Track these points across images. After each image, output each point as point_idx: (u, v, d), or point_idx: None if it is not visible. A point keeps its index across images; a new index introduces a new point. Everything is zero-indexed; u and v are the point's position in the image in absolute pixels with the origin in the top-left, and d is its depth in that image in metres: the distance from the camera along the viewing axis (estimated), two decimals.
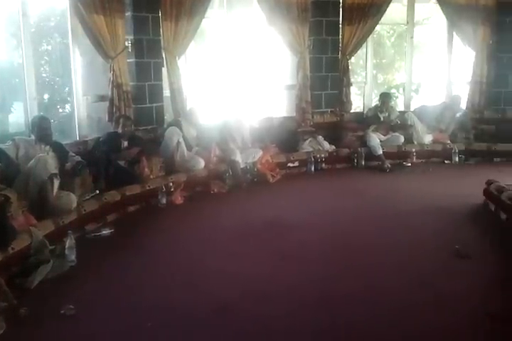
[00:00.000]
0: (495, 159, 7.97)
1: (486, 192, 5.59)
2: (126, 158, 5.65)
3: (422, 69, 9.50)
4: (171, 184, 5.68)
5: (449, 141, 8.03)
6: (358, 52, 8.65)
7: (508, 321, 3.02)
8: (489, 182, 5.61)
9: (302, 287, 3.55)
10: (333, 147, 7.60)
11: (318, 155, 7.33)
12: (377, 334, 2.94)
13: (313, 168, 7.22)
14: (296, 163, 7.23)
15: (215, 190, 6.13)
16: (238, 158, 6.48)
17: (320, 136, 7.62)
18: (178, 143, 6.08)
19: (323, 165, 7.36)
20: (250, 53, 8.50)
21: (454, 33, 8.78)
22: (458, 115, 8.19)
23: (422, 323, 3.06)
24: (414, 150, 7.73)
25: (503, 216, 5.04)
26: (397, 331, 2.97)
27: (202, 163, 6.19)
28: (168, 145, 6.08)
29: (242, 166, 6.52)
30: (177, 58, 6.83)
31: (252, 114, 7.54)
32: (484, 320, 3.05)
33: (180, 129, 6.24)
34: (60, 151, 4.84)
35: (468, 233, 4.77)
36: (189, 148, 6.29)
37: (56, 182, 4.46)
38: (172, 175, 5.89)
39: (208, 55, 9.31)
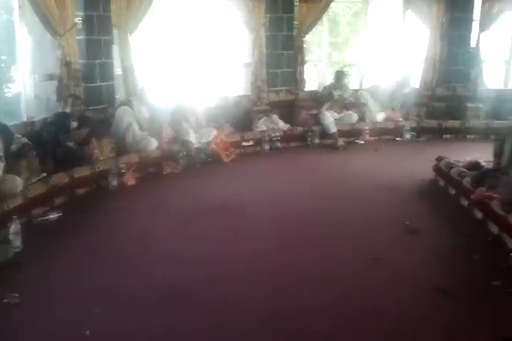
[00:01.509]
0: (445, 136, 8.16)
1: (436, 169, 5.72)
2: (76, 139, 5.48)
3: (376, 48, 9.53)
4: (123, 165, 5.57)
5: (400, 119, 8.14)
6: (314, 30, 8.62)
7: (454, 294, 3.11)
8: (439, 159, 5.73)
9: (256, 266, 3.57)
10: (288, 126, 7.59)
11: (272, 134, 7.32)
12: (331, 308, 2.98)
13: (268, 147, 7.21)
14: (251, 142, 7.20)
15: (168, 171, 6.04)
16: (192, 137, 6.40)
17: (275, 115, 7.59)
18: (130, 123, 5.95)
19: (278, 143, 7.36)
20: (205, 30, 8.34)
21: (409, 11, 8.82)
22: (408, 93, 8.29)
23: (373, 297, 3.12)
24: (367, 128, 7.83)
25: (452, 191, 5.17)
26: (349, 305, 3.02)
27: (154, 144, 6.08)
28: (119, 126, 5.94)
29: (195, 146, 6.44)
30: (129, 35, 6.63)
31: (207, 92, 7.43)
32: (432, 294, 3.13)
33: (132, 109, 6.11)
34: (4, 133, 4.64)
35: (418, 208, 4.88)
36: (141, 128, 6.16)
37: (0, 165, 4.30)
38: (123, 156, 5.76)
39: (161, 32, 9.08)
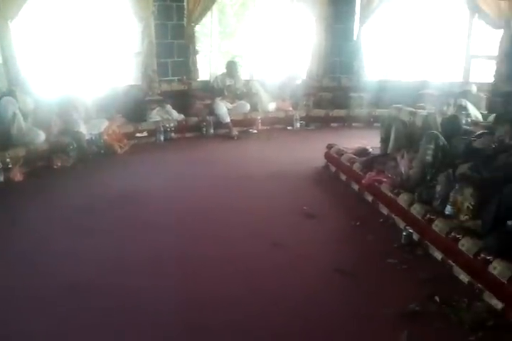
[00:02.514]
0: (332, 124, 8.54)
1: (327, 156, 5.98)
2: None
3: (264, 39, 9.67)
4: (8, 160, 5.22)
5: (290, 109, 8.41)
6: (203, 20, 8.57)
7: (349, 274, 3.29)
8: (329, 146, 6.00)
9: (158, 257, 3.53)
10: (182, 116, 7.54)
11: (167, 125, 7.23)
12: (236, 294, 3.03)
13: (162, 138, 7.13)
14: (145, 133, 7.07)
15: (59, 165, 5.75)
16: (82, 129, 6.14)
17: (168, 105, 7.49)
18: (14, 114, 5.57)
19: (173, 134, 7.30)
20: (94, 18, 7.96)
21: (297, 2, 9.05)
22: (298, 84, 8.57)
23: (277, 281, 3.22)
24: (259, 117, 7.99)
25: (343, 177, 5.44)
26: (254, 292, 3.08)
27: (42, 136, 5.75)
28: (3, 117, 5.54)
29: (87, 138, 6.19)
30: (9, 22, 6.19)
31: (95, 82, 7.15)
32: (334, 275, 3.29)
33: (16, 99, 5.72)
34: None
35: (313, 194, 5.09)
36: (25, 119, 5.79)
37: None
38: (9, 150, 5.39)
39: (46, 20, 8.54)
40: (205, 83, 8.29)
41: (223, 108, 7.62)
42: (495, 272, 2.92)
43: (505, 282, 2.82)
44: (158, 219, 4.27)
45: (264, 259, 3.53)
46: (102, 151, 6.36)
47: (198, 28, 8.51)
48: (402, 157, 4.55)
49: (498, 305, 2.87)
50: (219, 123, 7.61)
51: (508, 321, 2.75)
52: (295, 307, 2.93)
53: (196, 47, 8.35)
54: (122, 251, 3.65)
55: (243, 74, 8.74)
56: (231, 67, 8.10)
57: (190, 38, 8.16)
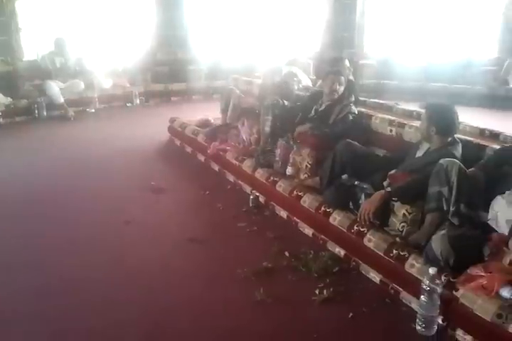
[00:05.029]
0: (172, 98, 8.51)
1: (171, 129, 5.96)
2: None
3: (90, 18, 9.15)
4: None
5: (128, 85, 8.19)
6: None
7: (203, 242, 3.37)
8: (172, 120, 5.98)
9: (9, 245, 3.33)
10: (10, 99, 6.96)
11: None
12: (94, 277, 2.94)
13: None
14: None
15: None
16: None
17: None
18: None
19: (1, 119, 6.72)
20: None
21: None
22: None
23: (135, 256, 3.20)
24: (95, 96, 7.67)
25: (189, 149, 5.47)
26: (112, 270, 3.02)
27: None
28: None
29: None
30: None
31: None
32: (188, 245, 3.34)
33: None
34: None
35: (160, 169, 5.07)
36: None
37: None
38: None
39: None
40: (33, 62, 7.68)
41: (55, 88, 7.17)
42: (335, 223, 3.17)
43: (345, 230, 3.08)
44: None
45: (118, 237, 3.46)
46: None
47: (21, 3, 7.82)
48: (243, 125, 4.70)
49: (340, 252, 3.14)
50: (52, 105, 7.16)
51: (350, 265, 3.02)
52: (153, 279, 2.93)
53: (19, 25, 7.68)
54: None
55: (74, 51, 8.24)
56: (60, 44, 7.57)
57: (12, 15, 7.49)
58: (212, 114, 5.80)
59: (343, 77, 4.09)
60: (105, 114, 7.39)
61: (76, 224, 3.68)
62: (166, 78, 8.67)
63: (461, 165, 2.72)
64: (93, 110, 7.57)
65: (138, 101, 8.07)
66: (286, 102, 4.45)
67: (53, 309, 2.63)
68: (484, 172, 2.81)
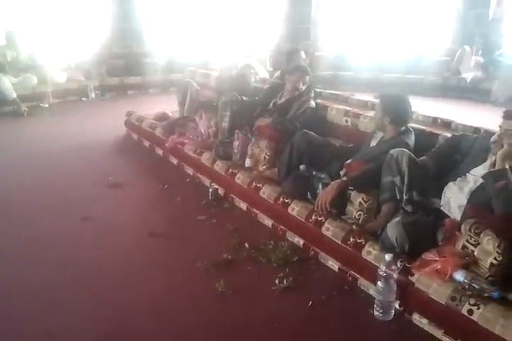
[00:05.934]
0: (129, 92, 8.40)
1: (128, 124, 5.89)
2: None
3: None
4: None
5: (83, 78, 8.03)
6: None
7: (163, 236, 3.35)
8: (129, 114, 5.91)
9: None
10: None
11: None
12: (52, 276, 2.88)
13: None
14: None
15: None
16: None
17: None
18: None
19: None
20: None
21: None
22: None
23: (95, 252, 3.15)
24: (49, 90, 7.49)
25: (146, 143, 5.41)
26: (71, 268, 2.96)
27: None
28: None
29: None
30: None
31: None
32: (148, 240, 3.31)
33: None
34: None
35: (118, 163, 4.99)
36: None
37: None
38: None
39: None
40: None
41: (6, 83, 6.95)
42: (294, 213, 3.21)
43: (304, 220, 3.11)
44: None
45: (75, 235, 3.38)
46: None
47: None
48: (201, 118, 4.67)
49: (299, 242, 3.17)
50: (4, 100, 6.94)
51: (309, 255, 3.06)
52: (114, 275, 2.89)
53: None
54: None
55: (26, 45, 8.01)
56: (11, 38, 7.34)
57: None
58: (170, 107, 5.76)
59: (308, 77, 4.08)
60: (60, 109, 7.22)
61: (31, 222, 3.59)
62: (122, 72, 8.53)
63: (411, 154, 2.79)
64: (47, 105, 7.38)
65: (93, 96, 7.93)
66: (244, 98, 4.43)
67: (7, 310, 2.57)
68: (436, 160, 2.89)
